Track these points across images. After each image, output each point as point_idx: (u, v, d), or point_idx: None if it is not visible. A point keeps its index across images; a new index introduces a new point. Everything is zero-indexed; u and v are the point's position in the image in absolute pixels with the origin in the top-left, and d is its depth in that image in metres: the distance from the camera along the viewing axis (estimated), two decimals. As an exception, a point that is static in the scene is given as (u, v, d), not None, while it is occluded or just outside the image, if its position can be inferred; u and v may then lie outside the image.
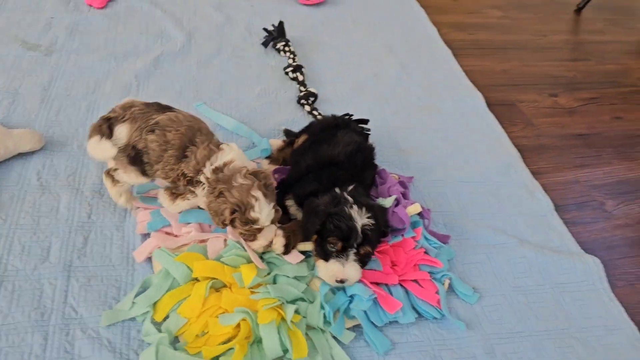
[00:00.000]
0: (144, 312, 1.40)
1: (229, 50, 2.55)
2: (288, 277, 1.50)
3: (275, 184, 1.55)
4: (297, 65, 2.37)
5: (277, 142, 1.99)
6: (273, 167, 1.85)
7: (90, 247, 1.59)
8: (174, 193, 1.55)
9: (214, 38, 2.62)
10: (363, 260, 1.46)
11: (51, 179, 1.77)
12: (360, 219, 1.43)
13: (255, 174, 1.49)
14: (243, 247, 1.53)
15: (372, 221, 1.43)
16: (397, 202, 1.66)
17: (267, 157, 1.89)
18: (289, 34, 2.61)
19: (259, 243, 1.50)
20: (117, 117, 1.52)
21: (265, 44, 2.60)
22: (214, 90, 2.28)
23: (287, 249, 1.54)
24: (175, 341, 1.35)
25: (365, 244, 1.44)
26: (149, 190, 1.75)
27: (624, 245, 1.93)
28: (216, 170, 1.48)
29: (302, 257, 1.57)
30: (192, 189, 1.51)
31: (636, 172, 2.27)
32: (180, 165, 1.50)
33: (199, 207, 1.64)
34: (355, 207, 1.44)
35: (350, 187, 1.52)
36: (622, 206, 2.09)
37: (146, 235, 1.63)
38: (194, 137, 1.52)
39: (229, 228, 1.53)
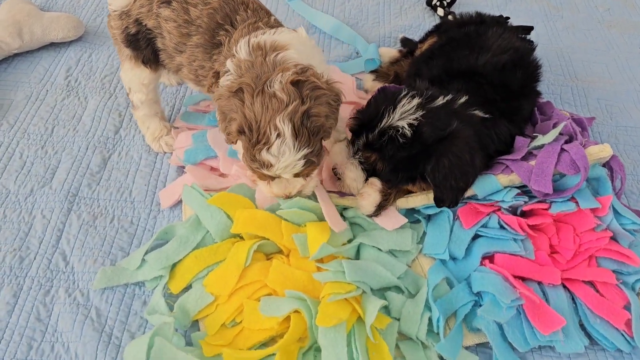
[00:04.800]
0: (156, 276, 1.03)
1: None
2: (379, 250, 1.05)
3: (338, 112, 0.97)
4: (432, -44, 1.85)
5: (391, 51, 1.49)
6: (378, 85, 1.31)
7: (109, 172, 1.21)
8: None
9: None
10: (368, 169, 1.05)
11: (82, 78, 1.42)
12: (399, 116, 0.98)
13: (300, 84, 0.88)
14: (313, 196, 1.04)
15: (407, 129, 0.97)
16: (568, 139, 1.12)
17: (372, 71, 1.45)
18: None
19: (269, 189, 0.99)
20: None
21: None
22: (316, -16, 1.83)
23: (379, 211, 1.02)
24: (193, 327, 0.98)
25: (377, 150, 1.00)
26: (199, 102, 1.26)
27: None
28: (256, 49, 0.93)
29: (404, 220, 1.05)
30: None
31: None
32: (213, 61, 1.00)
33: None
34: (413, 100, 0.98)
35: (462, 99, 1.03)
36: None
37: (182, 169, 1.20)
38: (234, 13, 1.00)
39: None
